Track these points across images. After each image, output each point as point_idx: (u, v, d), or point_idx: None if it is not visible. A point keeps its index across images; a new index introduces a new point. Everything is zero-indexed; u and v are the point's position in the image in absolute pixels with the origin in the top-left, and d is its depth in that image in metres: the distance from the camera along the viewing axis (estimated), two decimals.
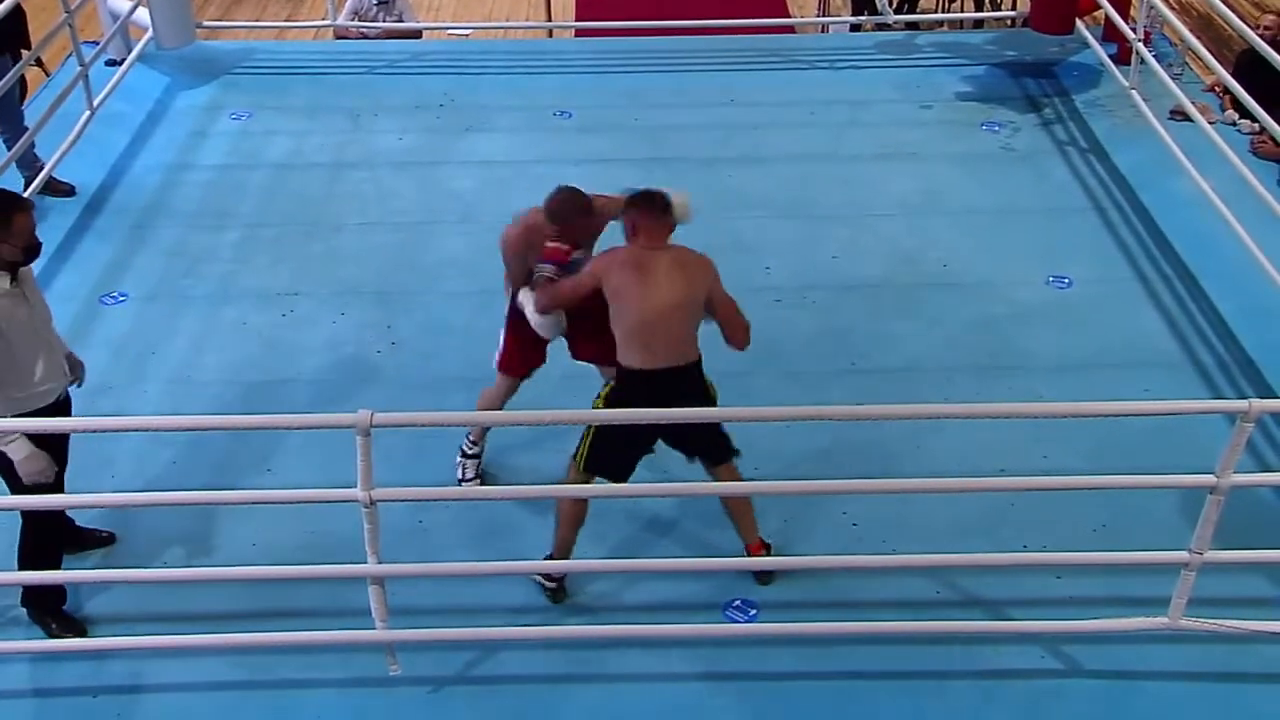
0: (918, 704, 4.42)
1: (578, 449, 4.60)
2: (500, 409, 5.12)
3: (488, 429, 5.29)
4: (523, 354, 5.08)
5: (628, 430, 4.47)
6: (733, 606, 4.72)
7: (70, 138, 7.25)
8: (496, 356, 5.12)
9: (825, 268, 6.70)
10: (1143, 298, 6.45)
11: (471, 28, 11.01)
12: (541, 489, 4.95)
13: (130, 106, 8.07)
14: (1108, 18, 8.28)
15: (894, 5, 9.81)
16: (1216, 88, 7.95)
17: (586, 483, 4.64)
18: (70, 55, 7.76)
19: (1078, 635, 4.54)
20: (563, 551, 4.70)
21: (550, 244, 4.68)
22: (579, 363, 5.17)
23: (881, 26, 9.14)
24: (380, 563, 4.17)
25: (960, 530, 4.91)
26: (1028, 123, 8.08)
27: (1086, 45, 8.45)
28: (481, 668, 4.51)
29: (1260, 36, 6.75)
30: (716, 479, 4.70)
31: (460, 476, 5.26)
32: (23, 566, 4.52)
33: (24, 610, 4.63)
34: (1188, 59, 8.37)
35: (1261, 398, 5.44)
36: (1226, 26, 8.55)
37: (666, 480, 4.87)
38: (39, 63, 7.97)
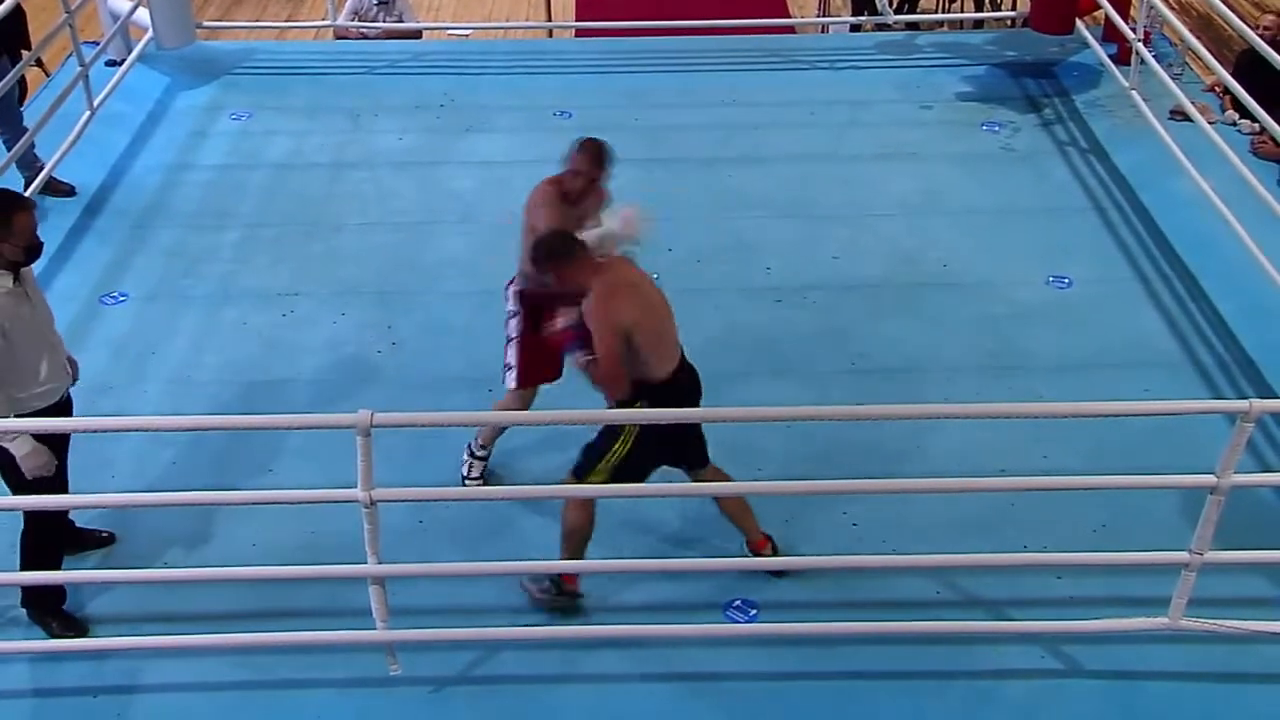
0: (918, 704, 4.42)
1: (590, 464, 4.50)
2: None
3: (500, 433, 5.26)
4: (537, 368, 5.05)
5: (661, 435, 4.41)
6: (733, 606, 4.71)
7: (70, 138, 7.24)
8: (513, 377, 5.05)
9: (825, 268, 6.69)
10: (1143, 298, 6.45)
11: (471, 28, 11.01)
12: (542, 489, 4.95)
13: (130, 107, 8.07)
14: (1108, 18, 8.28)
15: (894, 5, 9.81)
16: (1216, 88, 7.95)
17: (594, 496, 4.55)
18: (70, 55, 7.77)
19: (1078, 635, 4.54)
20: (573, 563, 4.58)
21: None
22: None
23: (882, 27, 9.14)
24: (380, 563, 4.17)
25: (960, 530, 4.91)
26: (1028, 123, 8.07)
27: (1086, 45, 8.46)
28: (482, 668, 4.51)
29: (1260, 36, 6.75)
30: (700, 481, 4.69)
31: (465, 474, 5.26)
32: (24, 567, 4.53)
33: (24, 611, 4.63)
34: (1188, 59, 8.37)
35: (1261, 398, 5.45)
36: (1226, 26, 8.55)
37: (665, 481, 4.86)
38: (39, 63, 7.99)
